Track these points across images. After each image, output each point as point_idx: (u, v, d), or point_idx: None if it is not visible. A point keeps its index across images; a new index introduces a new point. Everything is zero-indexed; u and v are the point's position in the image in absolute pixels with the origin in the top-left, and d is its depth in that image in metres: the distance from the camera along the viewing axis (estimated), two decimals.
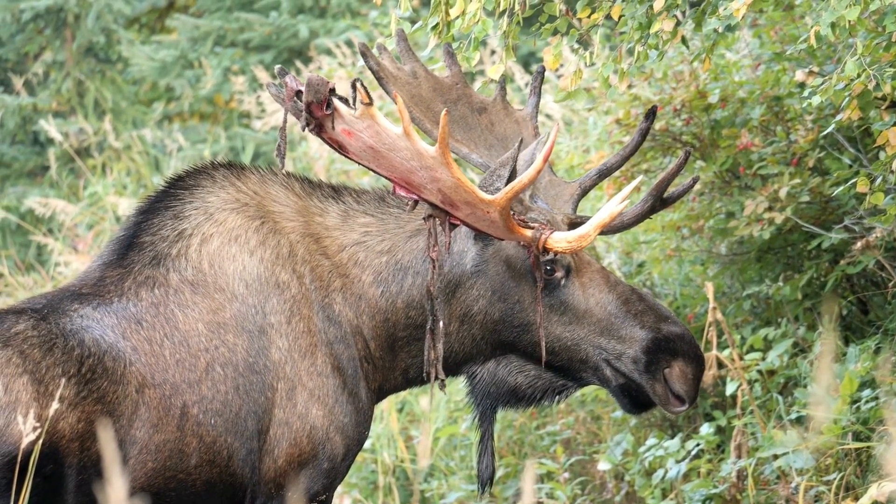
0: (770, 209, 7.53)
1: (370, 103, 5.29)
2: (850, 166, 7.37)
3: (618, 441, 8.33)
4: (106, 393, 5.12)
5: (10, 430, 4.97)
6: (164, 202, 5.59)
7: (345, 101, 5.37)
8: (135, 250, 5.50)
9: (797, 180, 7.50)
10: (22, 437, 4.90)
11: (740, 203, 7.70)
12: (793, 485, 7.26)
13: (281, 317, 5.42)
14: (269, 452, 5.35)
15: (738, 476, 7.52)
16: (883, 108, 6.88)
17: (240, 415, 5.28)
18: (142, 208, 5.62)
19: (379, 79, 5.90)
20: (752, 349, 7.86)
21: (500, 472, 9.10)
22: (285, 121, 5.45)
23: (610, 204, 5.63)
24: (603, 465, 8.39)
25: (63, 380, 5.04)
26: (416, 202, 5.54)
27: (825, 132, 7.36)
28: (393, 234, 5.71)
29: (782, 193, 7.49)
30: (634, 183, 5.82)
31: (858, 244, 7.18)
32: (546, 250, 5.58)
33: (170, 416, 5.18)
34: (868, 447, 7.07)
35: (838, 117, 6.98)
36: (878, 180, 6.86)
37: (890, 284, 7.17)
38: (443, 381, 5.60)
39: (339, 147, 5.41)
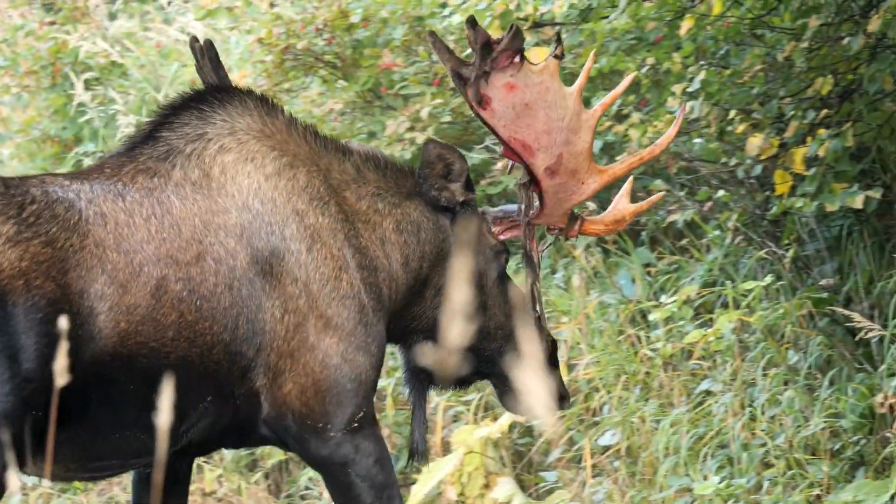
0: (412, 129, 7.53)
1: (562, 57, 5.22)
2: None
3: None
4: (56, 238, 4.79)
5: None
6: (193, 103, 5.27)
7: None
8: (148, 143, 5.18)
9: (439, 100, 7.53)
10: None
11: (382, 123, 7.69)
12: (432, 405, 7.30)
13: (301, 245, 5.14)
14: (276, 378, 5.11)
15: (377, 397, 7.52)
16: (526, 28, 6.93)
17: (230, 312, 5.00)
18: (171, 103, 5.30)
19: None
20: None
21: None
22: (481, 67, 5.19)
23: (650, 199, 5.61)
24: None
25: None
26: (512, 166, 5.60)
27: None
28: (395, 192, 5.51)
29: (424, 114, 7.51)
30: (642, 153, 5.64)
31: (499, 164, 7.26)
32: (580, 233, 5.58)
33: (140, 282, 4.88)
34: None
35: None
36: None
37: None
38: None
39: (480, 102, 5.21)
